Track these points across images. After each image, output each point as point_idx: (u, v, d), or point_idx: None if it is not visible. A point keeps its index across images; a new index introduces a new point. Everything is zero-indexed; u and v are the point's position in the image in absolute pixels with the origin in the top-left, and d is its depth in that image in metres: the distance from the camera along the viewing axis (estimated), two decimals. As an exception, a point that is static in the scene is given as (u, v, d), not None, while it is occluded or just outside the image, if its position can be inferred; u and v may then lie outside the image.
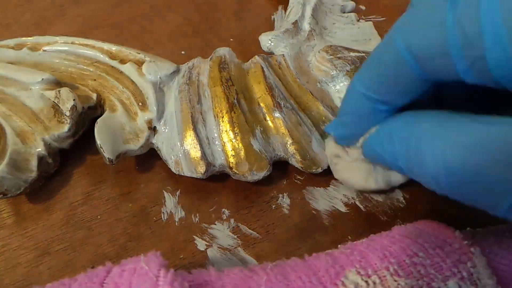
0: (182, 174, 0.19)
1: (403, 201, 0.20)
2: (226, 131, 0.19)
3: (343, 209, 0.19)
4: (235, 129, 0.19)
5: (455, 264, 0.13)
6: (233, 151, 0.19)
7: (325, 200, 0.20)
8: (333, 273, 0.13)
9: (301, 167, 0.19)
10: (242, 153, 0.19)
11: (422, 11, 0.12)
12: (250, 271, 0.13)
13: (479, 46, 0.10)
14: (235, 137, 0.19)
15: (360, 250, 0.14)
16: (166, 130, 0.20)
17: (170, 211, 0.19)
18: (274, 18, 0.30)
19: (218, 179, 0.20)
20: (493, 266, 0.14)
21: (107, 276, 0.12)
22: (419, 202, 0.20)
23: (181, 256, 0.18)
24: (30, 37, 0.23)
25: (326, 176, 0.20)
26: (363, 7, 0.31)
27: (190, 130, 0.19)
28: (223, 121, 0.19)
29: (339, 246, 0.16)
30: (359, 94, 0.15)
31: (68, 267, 0.17)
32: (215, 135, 0.19)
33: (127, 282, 0.12)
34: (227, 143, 0.19)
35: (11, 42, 0.22)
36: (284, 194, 0.20)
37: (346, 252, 0.14)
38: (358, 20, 0.28)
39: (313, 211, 0.19)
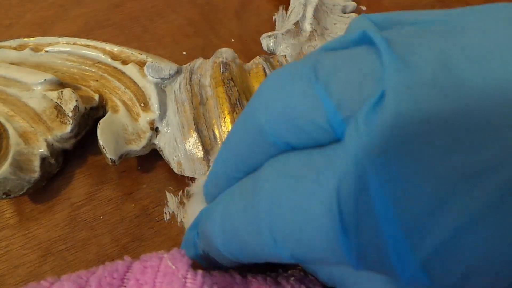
0: (184, 175, 0.19)
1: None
2: (228, 131, 0.19)
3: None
4: None
5: None
6: None
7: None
8: None
9: None
10: None
11: None
12: (274, 281, 0.13)
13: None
14: None
15: None
16: (168, 131, 0.20)
17: (173, 212, 0.19)
18: (275, 19, 0.30)
19: (220, 179, 0.20)
20: None
21: (128, 272, 0.12)
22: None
23: (184, 256, 0.18)
24: (32, 37, 0.23)
25: (328, 177, 0.20)
26: (363, 8, 0.31)
27: (192, 130, 0.19)
28: (225, 122, 0.19)
29: None
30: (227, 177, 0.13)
31: (71, 267, 0.17)
32: (217, 135, 0.19)
33: (151, 281, 0.11)
34: None
35: (13, 42, 0.23)
36: (286, 194, 0.20)
37: None
38: (359, 21, 0.28)
39: (315, 212, 0.19)
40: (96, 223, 0.18)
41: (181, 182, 0.20)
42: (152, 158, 0.20)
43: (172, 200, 0.19)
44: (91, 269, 0.13)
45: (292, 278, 0.13)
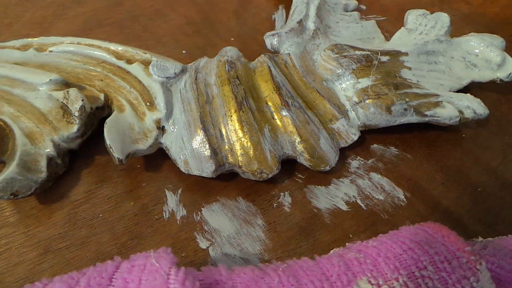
0: (191, 174, 0.19)
1: (404, 200, 0.20)
2: (234, 130, 0.19)
3: (344, 207, 0.19)
4: (244, 128, 0.19)
5: (459, 279, 0.13)
6: (242, 150, 0.19)
7: (326, 198, 0.20)
8: (345, 279, 0.13)
9: (310, 165, 0.19)
10: (251, 152, 0.19)
11: None
12: (261, 272, 0.13)
13: None
14: (243, 136, 0.19)
15: (372, 257, 0.14)
16: (175, 130, 0.20)
17: (172, 210, 0.19)
18: (274, 18, 0.30)
19: (219, 177, 0.20)
20: (497, 278, 0.14)
21: (116, 271, 0.12)
22: (420, 201, 0.20)
23: (183, 254, 0.18)
24: (36, 37, 0.23)
25: (327, 175, 0.20)
26: (363, 7, 0.31)
27: (199, 129, 0.19)
28: (231, 120, 0.19)
29: (346, 244, 0.16)
30: None
31: (70, 265, 0.17)
32: (224, 134, 0.19)
33: (137, 279, 0.12)
34: (236, 142, 0.19)
35: (17, 43, 0.22)
36: (286, 192, 0.20)
37: (359, 258, 0.14)
38: (360, 19, 0.28)
39: (315, 210, 0.19)
40: (96, 221, 0.18)
41: (181, 180, 0.20)
42: (151, 156, 0.20)
43: (171, 198, 0.19)
44: (83, 270, 0.13)
45: (281, 269, 0.13)
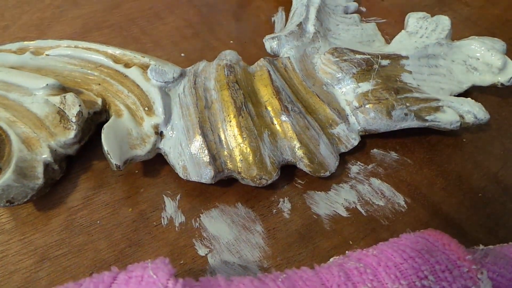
0: (190, 179, 0.19)
1: (405, 205, 0.20)
2: (234, 135, 0.19)
3: (344, 213, 0.19)
4: (243, 133, 0.19)
5: None
6: (241, 156, 0.19)
7: (326, 204, 0.20)
8: None
9: (309, 171, 0.19)
10: (250, 157, 0.18)
11: None
12: (260, 283, 0.13)
13: None
14: (243, 142, 0.19)
15: (372, 266, 0.14)
16: (173, 135, 0.19)
17: (170, 216, 0.19)
18: (274, 20, 0.30)
19: (218, 183, 0.20)
20: (498, 287, 0.14)
21: (113, 283, 0.12)
22: (421, 206, 0.20)
23: (181, 262, 0.17)
24: (32, 41, 0.22)
25: (327, 180, 0.20)
26: (364, 9, 0.31)
27: (198, 135, 0.19)
28: (230, 126, 0.19)
29: (346, 252, 0.15)
30: None
31: (67, 273, 0.17)
32: (223, 139, 0.19)
33: None
34: (235, 147, 0.19)
35: (13, 46, 0.22)
36: (285, 198, 0.20)
37: (359, 268, 0.14)
38: (360, 21, 0.28)
39: (314, 216, 0.19)
40: (93, 228, 0.18)
41: (179, 186, 0.20)
42: (150, 162, 0.20)
43: (170, 205, 0.19)
44: (79, 281, 0.13)
45: (280, 280, 0.13)
